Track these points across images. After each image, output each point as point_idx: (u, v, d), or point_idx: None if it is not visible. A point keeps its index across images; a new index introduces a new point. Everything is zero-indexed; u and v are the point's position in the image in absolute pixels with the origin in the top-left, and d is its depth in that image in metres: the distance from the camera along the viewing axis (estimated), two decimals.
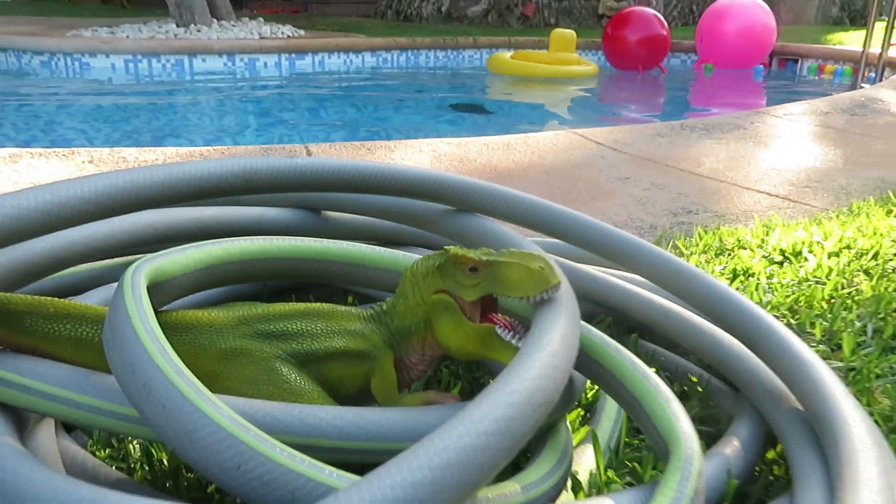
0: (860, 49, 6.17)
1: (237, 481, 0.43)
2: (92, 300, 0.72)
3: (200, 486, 0.62)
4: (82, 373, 0.53)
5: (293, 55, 7.28)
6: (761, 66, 7.87)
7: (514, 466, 0.63)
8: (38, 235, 0.53)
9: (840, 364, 0.88)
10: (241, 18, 8.91)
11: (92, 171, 1.89)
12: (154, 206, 0.65)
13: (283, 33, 8.14)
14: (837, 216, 1.68)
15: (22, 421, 0.53)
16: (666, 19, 7.53)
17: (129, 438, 0.65)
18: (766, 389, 0.67)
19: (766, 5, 7.10)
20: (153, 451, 0.63)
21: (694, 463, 0.50)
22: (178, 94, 5.54)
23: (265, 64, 7.06)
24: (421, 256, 0.66)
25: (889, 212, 1.72)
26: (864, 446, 0.50)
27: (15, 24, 8.62)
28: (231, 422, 0.44)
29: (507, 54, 6.65)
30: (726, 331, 0.74)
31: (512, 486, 0.53)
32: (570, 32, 6.39)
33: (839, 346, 0.96)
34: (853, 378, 0.85)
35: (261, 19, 9.05)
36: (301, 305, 0.63)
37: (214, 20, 8.17)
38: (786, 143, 2.67)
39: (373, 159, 2.12)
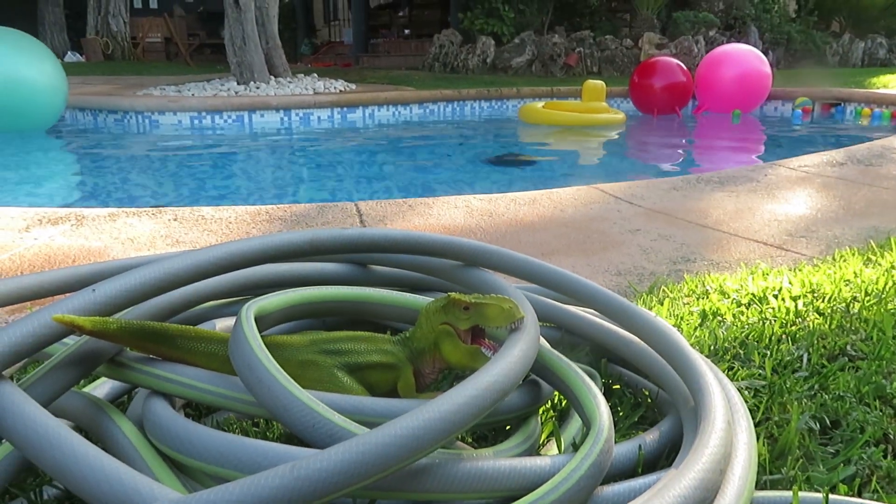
0: None
1: (312, 434, 0.71)
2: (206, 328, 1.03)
3: None
4: (212, 374, 0.83)
5: (345, 109, 7.72)
6: (799, 112, 8.04)
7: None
8: (198, 281, 0.85)
9: (764, 383, 1.13)
10: (297, 74, 9.48)
11: (177, 227, 2.25)
12: (251, 265, 0.97)
13: (335, 88, 8.65)
14: (817, 264, 1.91)
15: (174, 404, 0.83)
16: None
17: (237, 422, 0.95)
18: (682, 395, 0.93)
19: (760, 53, 7.41)
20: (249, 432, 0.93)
21: (604, 433, 0.77)
22: (239, 147, 6.01)
23: (319, 118, 7.52)
24: (432, 300, 0.95)
25: (868, 260, 1.94)
26: (715, 425, 0.76)
27: (89, 84, 9.38)
28: (309, 400, 0.73)
29: (539, 104, 7.04)
30: (658, 354, 1.01)
31: (487, 452, 0.81)
32: (601, 83, 6.75)
33: (774, 371, 1.21)
34: (771, 395, 1.10)
35: (315, 75, 9.62)
36: (351, 333, 0.93)
37: (272, 77, 8.73)
38: (793, 194, 2.89)
39: (413, 214, 2.43)
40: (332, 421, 0.71)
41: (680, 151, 6.01)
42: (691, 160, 5.53)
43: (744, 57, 7.35)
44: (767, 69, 7.40)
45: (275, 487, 0.58)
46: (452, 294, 0.90)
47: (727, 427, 0.77)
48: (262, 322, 0.90)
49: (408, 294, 1.05)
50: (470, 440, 0.97)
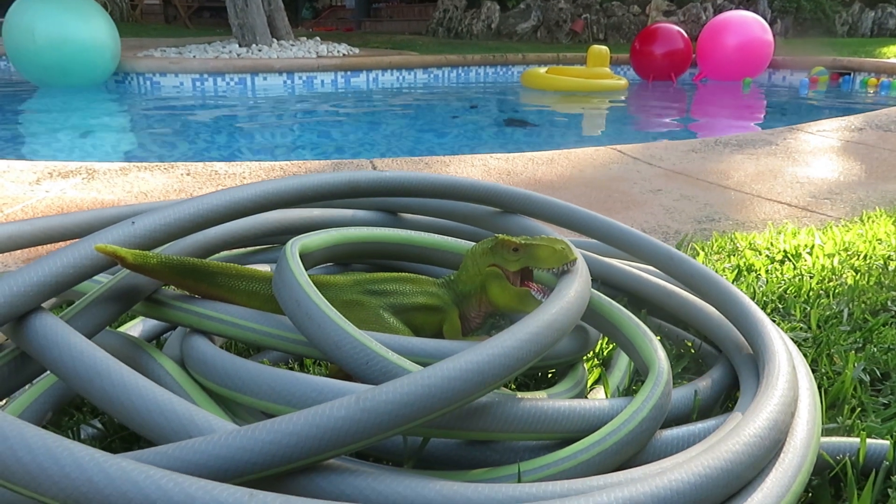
0: None
1: (365, 371, 0.69)
2: None
3: None
4: (255, 312, 0.80)
5: (348, 73, 7.63)
6: (807, 80, 7.95)
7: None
8: (236, 219, 0.82)
9: (808, 335, 1.11)
10: (300, 38, 9.33)
11: (190, 182, 2.21)
12: (288, 206, 0.93)
13: (338, 52, 8.52)
14: (846, 224, 1.88)
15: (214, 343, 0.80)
16: None
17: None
18: (734, 343, 0.91)
19: (763, 21, 7.34)
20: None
21: (664, 375, 0.74)
22: (242, 110, 5.92)
23: (322, 82, 7.42)
24: (477, 242, 0.92)
25: None
26: (781, 368, 0.74)
27: None
28: (363, 337, 0.70)
29: (541, 69, 6.97)
30: (707, 302, 0.98)
31: (541, 394, 0.78)
32: (605, 49, 6.72)
33: (819, 326, 1.18)
34: (817, 346, 1.07)
35: (317, 38, 9.47)
36: (395, 274, 0.89)
37: (274, 40, 8.59)
38: (813, 158, 2.84)
39: (430, 172, 2.39)
40: (386, 358, 0.68)
41: (684, 118, 5.95)
42: (696, 127, 5.46)
43: (746, 24, 7.26)
44: (769, 37, 7.31)
45: (340, 418, 0.55)
46: (500, 236, 0.87)
47: (792, 370, 0.74)
48: (307, 259, 0.87)
49: (452, 238, 1.01)
50: (513, 387, 0.95)
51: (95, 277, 0.89)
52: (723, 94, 7.13)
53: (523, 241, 0.85)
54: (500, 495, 0.56)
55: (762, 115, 6.10)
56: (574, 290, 0.77)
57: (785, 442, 0.66)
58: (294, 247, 0.80)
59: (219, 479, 0.52)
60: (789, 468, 0.63)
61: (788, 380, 0.72)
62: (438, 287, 0.91)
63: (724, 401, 0.88)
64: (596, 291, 0.92)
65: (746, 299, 0.90)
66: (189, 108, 5.90)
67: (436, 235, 1.01)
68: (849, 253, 1.54)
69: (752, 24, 7.25)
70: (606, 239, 1.08)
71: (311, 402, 0.64)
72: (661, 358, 0.77)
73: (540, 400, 0.70)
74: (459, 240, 1.01)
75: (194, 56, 7.44)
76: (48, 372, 0.79)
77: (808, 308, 1.22)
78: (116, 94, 6.61)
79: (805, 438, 0.67)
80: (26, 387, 0.83)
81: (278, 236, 1.02)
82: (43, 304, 0.71)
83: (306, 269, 0.90)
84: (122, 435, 0.80)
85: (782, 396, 0.68)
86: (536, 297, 0.85)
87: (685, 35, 7.52)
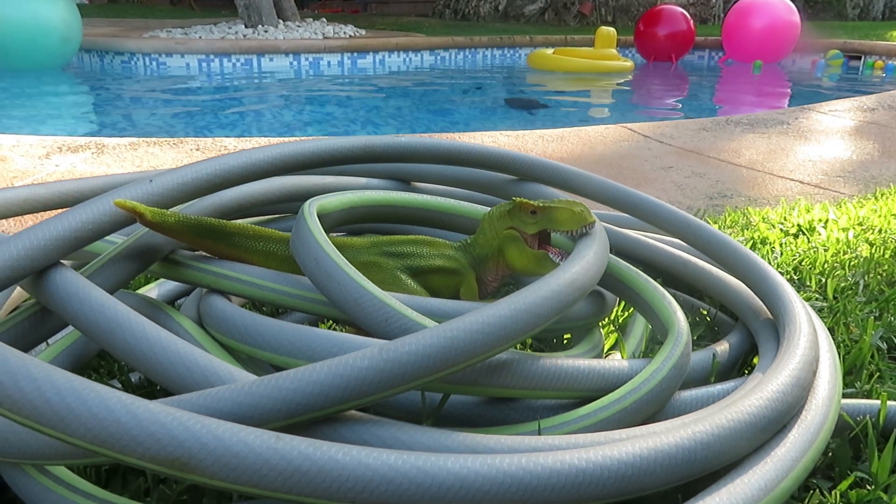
0: None
1: (384, 329, 0.68)
2: None
3: None
4: (273, 272, 0.80)
5: (355, 54, 7.57)
6: (823, 62, 7.89)
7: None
8: (252, 180, 0.82)
9: (825, 304, 1.10)
10: (306, 19, 9.28)
11: (199, 157, 2.20)
12: (304, 168, 0.93)
13: (345, 33, 8.47)
14: (859, 200, 1.87)
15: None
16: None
17: None
18: (751, 309, 0.90)
19: (790, 3, 7.26)
20: None
21: (683, 336, 0.74)
22: (248, 91, 5.89)
23: (328, 63, 7.37)
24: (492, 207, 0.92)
25: None
26: (803, 328, 0.73)
27: (94, 27, 9.18)
28: (382, 294, 0.69)
29: (548, 51, 6.95)
30: (725, 268, 0.97)
31: (559, 355, 0.78)
32: (612, 30, 6.69)
33: (835, 297, 1.17)
34: (833, 316, 1.07)
35: (324, 19, 9.41)
36: (412, 237, 0.89)
37: (280, 21, 8.54)
38: (826, 137, 2.82)
39: None
40: (406, 315, 0.68)
41: (690, 99, 5.90)
42: (704, 108, 5.42)
43: (772, 6, 7.18)
44: (796, 19, 7.24)
45: (363, 368, 0.55)
46: (518, 199, 0.86)
47: (813, 331, 0.74)
48: (324, 221, 0.86)
49: (468, 203, 1.01)
50: (530, 352, 0.94)
51: (109, 238, 0.88)
52: (734, 76, 7.08)
53: (541, 204, 0.85)
54: (522, 446, 0.56)
55: (770, 98, 6.05)
56: (593, 251, 0.77)
57: (807, 400, 0.66)
58: (312, 206, 0.80)
59: None
60: (811, 425, 0.63)
61: (810, 339, 0.71)
62: (455, 250, 0.90)
63: (741, 367, 0.88)
64: (613, 256, 0.91)
65: (765, 264, 0.90)
66: (195, 89, 5.88)
67: (452, 200, 1.00)
68: (863, 227, 1.53)
69: (778, 7, 7.17)
70: (622, 207, 1.07)
71: (332, 356, 0.64)
72: (680, 319, 0.77)
73: (559, 359, 0.70)
74: (476, 205, 1.01)
75: (200, 37, 7.40)
76: (65, 331, 0.79)
77: (824, 279, 1.21)
78: (123, 74, 6.59)
79: (826, 397, 0.67)
80: (43, 346, 0.83)
81: (292, 202, 1.01)
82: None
83: (328, 230, 0.90)
84: (139, 394, 0.80)
85: (804, 355, 0.68)
86: (554, 260, 0.85)
87: (689, 17, 7.47)
